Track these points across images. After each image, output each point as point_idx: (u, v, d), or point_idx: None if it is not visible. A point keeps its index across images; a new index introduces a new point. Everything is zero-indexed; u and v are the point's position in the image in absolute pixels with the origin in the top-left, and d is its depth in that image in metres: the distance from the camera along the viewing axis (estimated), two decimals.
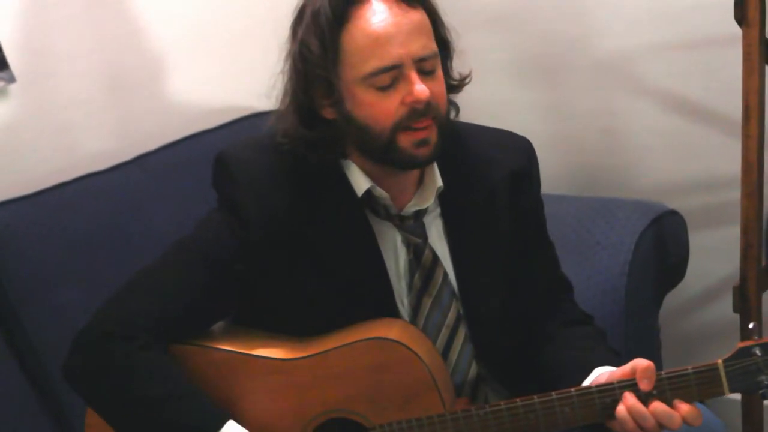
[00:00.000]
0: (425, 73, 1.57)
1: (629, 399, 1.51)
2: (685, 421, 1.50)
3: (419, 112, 1.56)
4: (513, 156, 1.75)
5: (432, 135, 1.59)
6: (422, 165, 1.64)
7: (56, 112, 2.30)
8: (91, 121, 2.35)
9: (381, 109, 1.57)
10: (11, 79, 2.20)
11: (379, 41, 1.55)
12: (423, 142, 1.58)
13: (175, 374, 1.60)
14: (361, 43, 1.56)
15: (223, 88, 2.57)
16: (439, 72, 1.61)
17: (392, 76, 1.56)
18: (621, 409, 1.51)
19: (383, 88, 1.56)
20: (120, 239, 2.16)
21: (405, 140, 1.58)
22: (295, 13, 1.62)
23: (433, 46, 1.59)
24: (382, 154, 1.60)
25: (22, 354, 2.05)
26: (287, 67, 1.64)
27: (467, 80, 1.68)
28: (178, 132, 2.42)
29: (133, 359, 1.58)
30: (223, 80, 2.57)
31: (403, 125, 1.57)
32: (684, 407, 1.50)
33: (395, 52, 1.55)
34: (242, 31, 2.61)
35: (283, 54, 1.64)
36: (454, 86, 1.68)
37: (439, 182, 1.68)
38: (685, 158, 2.49)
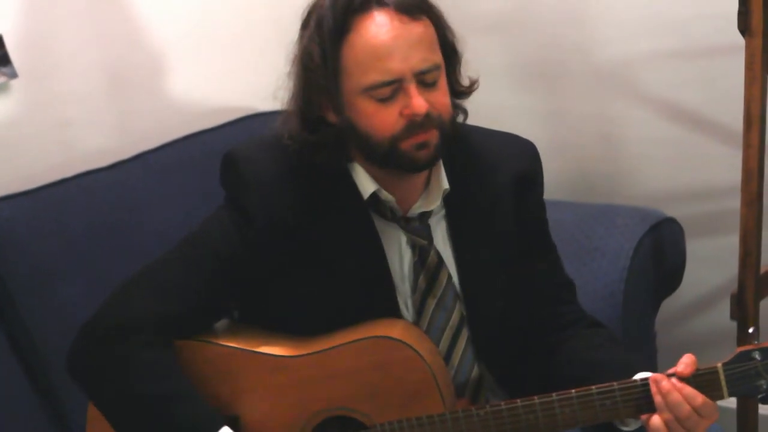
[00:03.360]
0: (426, 85, 1.57)
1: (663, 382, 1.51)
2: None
3: (417, 124, 1.57)
4: (518, 159, 1.75)
5: (433, 138, 1.59)
6: (423, 168, 1.64)
7: (57, 108, 2.29)
8: (92, 118, 2.35)
9: (380, 120, 1.57)
10: (13, 75, 2.20)
11: (380, 55, 1.55)
12: (423, 145, 1.58)
13: (175, 374, 1.60)
14: (361, 55, 1.56)
15: (224, 88, 2.57)
16: (442, 82, 1.60)
17: (392, 89, 1.56)
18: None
19: (383, 100, 1.57)
20: (119, 236, 2.16)
21: (406, 144, 1.58)
22: (303, 17, 1.62)
23: (435, 58, 1.59)
24: (385, 159, 1.61)
25: (22, 349, 2.04)
26: (292, 69, 1.64)
27: (475, 86, 1.68)
28: (178, 130, 2.42)
29: (134, 356, 1.58)
30: (225, 79, 2.57)
31: (403, 138, 1.57)
32: None
33: (396, 67, 1.55)
34: (244, 30, 2.61)
35: (290, 55, 1.64)
36: (462, 92, 1.68)
37: (446, 184, 1.68)
38: (683, 166, 2.50)
